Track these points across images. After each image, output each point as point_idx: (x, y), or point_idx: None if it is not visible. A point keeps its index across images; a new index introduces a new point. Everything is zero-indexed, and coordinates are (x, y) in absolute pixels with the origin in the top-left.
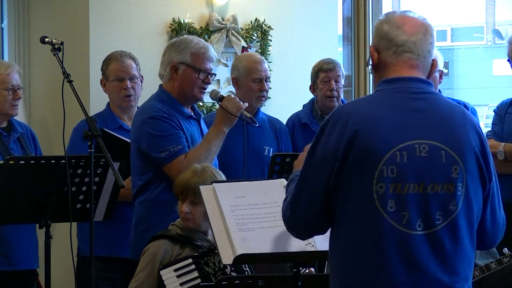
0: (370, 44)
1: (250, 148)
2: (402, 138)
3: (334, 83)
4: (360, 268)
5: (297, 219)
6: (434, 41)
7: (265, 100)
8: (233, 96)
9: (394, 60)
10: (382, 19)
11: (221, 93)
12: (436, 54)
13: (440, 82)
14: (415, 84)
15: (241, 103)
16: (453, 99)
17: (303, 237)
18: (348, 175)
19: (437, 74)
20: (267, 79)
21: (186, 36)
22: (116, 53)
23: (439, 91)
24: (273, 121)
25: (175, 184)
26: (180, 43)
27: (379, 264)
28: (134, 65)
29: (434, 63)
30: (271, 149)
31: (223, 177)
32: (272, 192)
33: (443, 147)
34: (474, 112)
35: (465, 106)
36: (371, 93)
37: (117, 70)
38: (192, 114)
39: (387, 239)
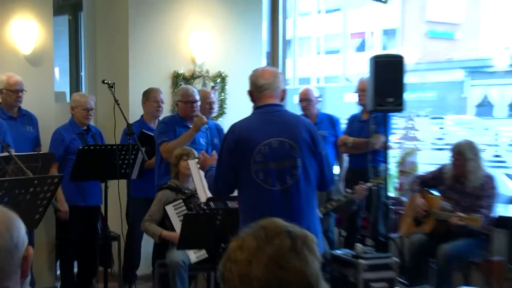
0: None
1: (204, 143)
2: (264, 138)
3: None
4: (248, 209)
5: (217, 187)
6: (282, 81)
7: (212, 114)
8: (201, 115)
9: (259, 95)
10: (251, 74)
11: (199, 115)
12: (312, 88)
13: (318, 102)
14: (272, 107)
15: (202, 120)
16: (327, 113)
17: (220, 195)
18: (239, 159)
19: (314, 99)
20: (203, 105)
21: (181, 86)
22: (156, 88)
23: (317, 113)
24: (216, 125)
25: (177, 155)
26: (177, 91)
27: (256, 206)
28: (162, 97)
29: (283, 92)
30: (216, 140)
31: (196, 154)
32: None
33: (286, 140)
34: (337, 120)
35: (333, 117)
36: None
37: (157, 97)
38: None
39: (258, 192)
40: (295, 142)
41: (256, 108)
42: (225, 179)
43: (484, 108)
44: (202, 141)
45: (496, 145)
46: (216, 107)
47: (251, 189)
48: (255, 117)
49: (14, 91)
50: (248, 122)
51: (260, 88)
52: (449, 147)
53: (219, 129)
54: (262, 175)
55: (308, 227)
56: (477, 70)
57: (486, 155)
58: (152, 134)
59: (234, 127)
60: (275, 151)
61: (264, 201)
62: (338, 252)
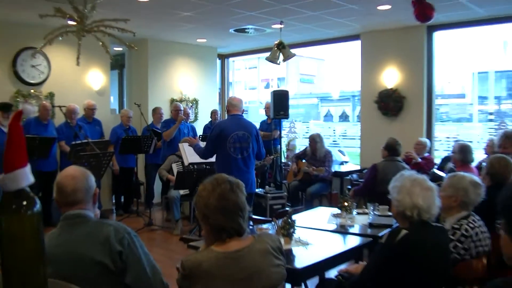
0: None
1: (186, 132)
2: (234, 131)
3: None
4: (223, 167)
5: (206, 154)
6: (240, 102)
7: (188, 120)
8: (181, 115)
9: (231, 109)
10: (228, 98)
11: (180, 115)
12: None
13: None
14: (238, 116)
15: (181, 117)
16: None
17: (207, 159)
18: (221, 141)
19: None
20: (183, 113)
21: (174, 102)
22: (159, 107)
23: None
24: (192, 126)
25: (184, 140)
26: (171, 105)
27: (227, 165)
28: (162, 111)
29: (243, 110)
30: (191, 134)
31: (192, 140)
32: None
33: (245, 133)
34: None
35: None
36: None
37: (159, 111)
38: (182, 123)
39: (230, 160)
40: (249, 134)
41: (229, 115)
42: (210, 151)
43: (328, 117)
44: (186, 131)
45: (334, 136)
46: (192, 116)
47: (225, 157)
48: (229, 120)
49: (91, 109)
50: (226, 122)
51: (232, 105)
52: None
53: (193, 128)
54: (233, 149)
55: (252, 178)
56: (324, 98)
57: (328, 141)
58: (159, 130)
59: (218, 124)
60: (240, 137)
61: (232, 163)
62: (256, 190)
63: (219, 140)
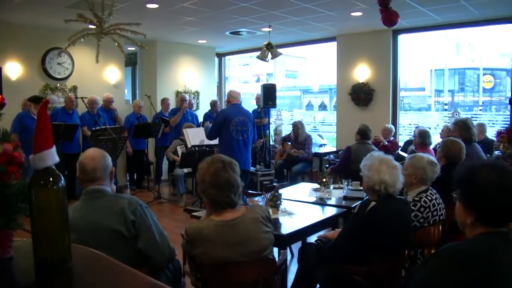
0: (226, 95)
1: (190, 119)
2: (236, 116)
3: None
4: (225, 147)
5: (211, 135)
6: (239, 95)
7: (192, 108)
8: (185, 105)
9: (232, 100)
10: (229, 91)
11: (184, 104)
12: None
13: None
14: (238, 105)
15: (185, 106)
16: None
17: (212, 140)
18: (225, 125)
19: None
20: (188, 104)
21: (180, 94)
22: (167, 98)
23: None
24: (195, 114)
25: (186, 126)
26: (178, 96)
27: (230, 145)
28: (169, 101)
29: (240, 101)
30: (194, 121)
31: (195, 127)
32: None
33: (245, 118)
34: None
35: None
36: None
37: (167, 102)
38: (187, 111)
39: (233, 140)
40: (248, 119)
41: (231, 104)
42: (215, 133)
43: (309, 107)
44: (189, 118)
45: (314, 122)
46: (194, 105)
47: (228, 138)
48: (231, 108)
49: (109, 101)
50: (229, 109)
51: (233, 97)
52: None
53: (195, 115)
54: (235, 131)
55: (248, 157)
56: (306, 91)
57: (309, 127)
58: (167, 118)
59: (223, 111)
60: (241, 122)
61: (234, 144)
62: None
63: (223, 124)
